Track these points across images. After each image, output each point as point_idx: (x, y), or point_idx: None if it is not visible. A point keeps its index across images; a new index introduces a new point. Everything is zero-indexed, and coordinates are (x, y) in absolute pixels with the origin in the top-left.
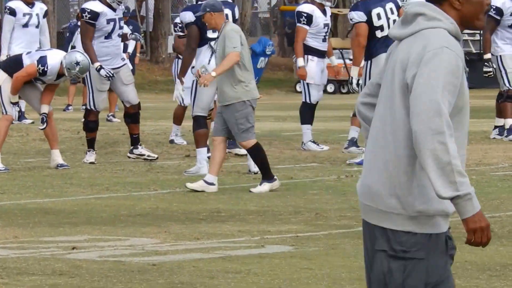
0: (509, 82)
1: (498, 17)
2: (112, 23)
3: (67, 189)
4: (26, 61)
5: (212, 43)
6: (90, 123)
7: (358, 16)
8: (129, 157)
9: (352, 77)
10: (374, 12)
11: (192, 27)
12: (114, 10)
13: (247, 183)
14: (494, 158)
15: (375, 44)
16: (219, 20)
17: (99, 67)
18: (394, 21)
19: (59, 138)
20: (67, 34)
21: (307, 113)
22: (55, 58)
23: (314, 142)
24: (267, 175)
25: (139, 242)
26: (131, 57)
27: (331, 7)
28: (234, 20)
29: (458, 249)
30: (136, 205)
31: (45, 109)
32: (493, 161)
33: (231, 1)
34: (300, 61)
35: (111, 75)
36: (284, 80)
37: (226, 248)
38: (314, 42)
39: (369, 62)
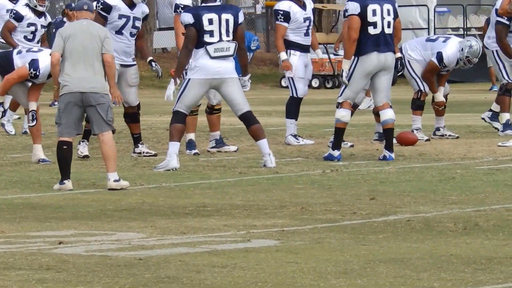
0: (508, 75)
1: (507, 22)
2: (124, 19)
3: (54, 184)
4: (17, 62)
5: (208, 47)
6: None
7: (352, 8)
8: (132, 156)
9: (343, 70)
10: (370, 7)
11: (190, 28)
12: (130, 7)
13: (233, 177)
14: (479, 152)
15: (366, 41)
16: (73, 17)
17: None
18: (389, 23)
19: (45, 133)
20: (53, 30)
21: (293, 107)
22: (46, 60)
23: (295, 136)
24: (62, 176)
25: (125, 236)
26: None
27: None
28: (237, 25)
29: (444, 242)
30: (122, 200)
31: (33, 106)
32: (478, 155)
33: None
34: (283, 55)
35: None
36: (269, 75)
37: (212, 243)
38: (296, 37)
39: (356, 59)
